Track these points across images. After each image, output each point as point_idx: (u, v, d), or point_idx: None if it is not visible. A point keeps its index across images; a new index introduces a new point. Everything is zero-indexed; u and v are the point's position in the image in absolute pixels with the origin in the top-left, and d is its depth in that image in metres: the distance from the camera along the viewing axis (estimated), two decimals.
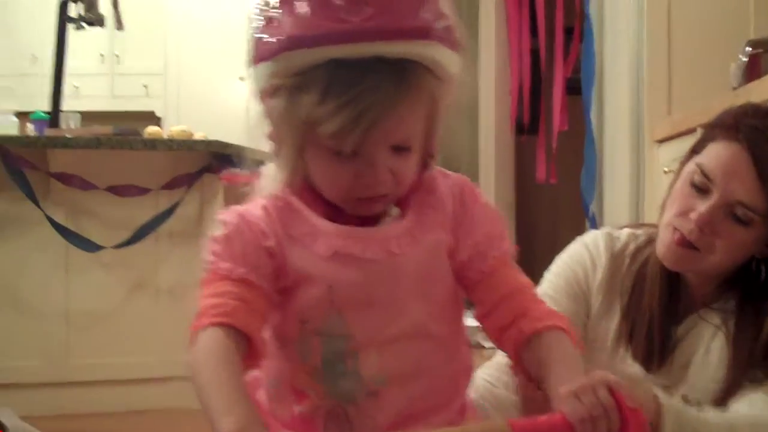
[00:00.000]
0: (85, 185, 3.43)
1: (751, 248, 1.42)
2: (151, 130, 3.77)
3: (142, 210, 3.48)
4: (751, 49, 2.60)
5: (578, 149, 4.38)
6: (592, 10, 4.19)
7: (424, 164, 1.07)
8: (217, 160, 3.56)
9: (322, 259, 1.01)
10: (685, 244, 1.41)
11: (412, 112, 0.99)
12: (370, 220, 1.05)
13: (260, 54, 0.98)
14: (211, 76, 5.81)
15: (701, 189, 1.40)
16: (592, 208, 4.20)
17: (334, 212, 1.04)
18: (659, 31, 3.40)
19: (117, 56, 6.30)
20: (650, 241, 1.53)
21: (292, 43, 0.95)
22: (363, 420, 1.04)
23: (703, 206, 1.38)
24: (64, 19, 3.97)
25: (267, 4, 0.99)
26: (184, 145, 3.56)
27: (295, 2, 0.95)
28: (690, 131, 2.76)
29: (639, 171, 3.51)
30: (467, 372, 1.15)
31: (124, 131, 3.65)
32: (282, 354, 1.06)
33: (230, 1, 5.82)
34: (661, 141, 3.24)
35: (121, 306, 3.56)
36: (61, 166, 3.44)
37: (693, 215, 1.39)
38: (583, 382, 0.92)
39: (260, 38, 0.98)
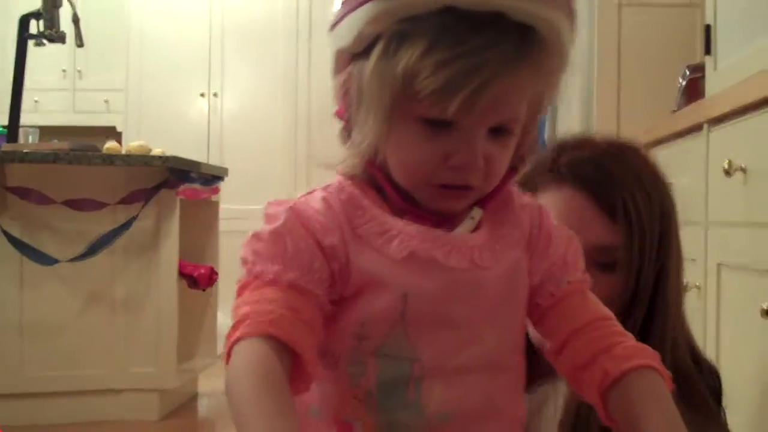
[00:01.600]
0: (43, 199, 3.45)
1: (620, 296, 1.19)
2: (110, 145, 3.80)
3: (99, 224, 3.50)
4: (689, 73, 2.68)
5: None
6: None
7: (512, 169, 0.92)
8: (174, 175, 3.60)
9: (397, 263, 0.85)
10: None
11: (525, 85, 0.84)
12: (446, 223, 0.89)
13: None
14: (172, 91, 5.82)
15: None
16: None
17: (402, 213, 0.89)
18: (609, 57, 3.48)
19: (79, 71, 6.32)
20: None
21: None
22: None
23: None
24: (24, 35, 4.00)
25: None
26: (141, 161, 3.58)
27: None
28: None
29: None
30: (523, 420, 0.95)
31: (83, 146, 3.67)
32: (327, 375, 0.87)
33: (191, 18, 5.86)
34: None
35: (77, 319, 3.57)
36: (17, 180, 3.46)
37: None
38: None
39: None
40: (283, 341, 0.78)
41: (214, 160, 5.43)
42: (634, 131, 2.96)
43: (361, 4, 0.83)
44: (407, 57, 0.80)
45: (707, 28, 2.26)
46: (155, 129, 5.66)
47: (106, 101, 6.29)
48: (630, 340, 0.89)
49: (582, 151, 1.25)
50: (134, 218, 3.52)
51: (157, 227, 3.63)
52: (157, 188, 3.57)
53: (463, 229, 0.90)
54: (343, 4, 0.86)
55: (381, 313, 0.85)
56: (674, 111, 2.66)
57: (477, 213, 0.91)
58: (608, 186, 1.20)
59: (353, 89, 0.88)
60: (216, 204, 4.26)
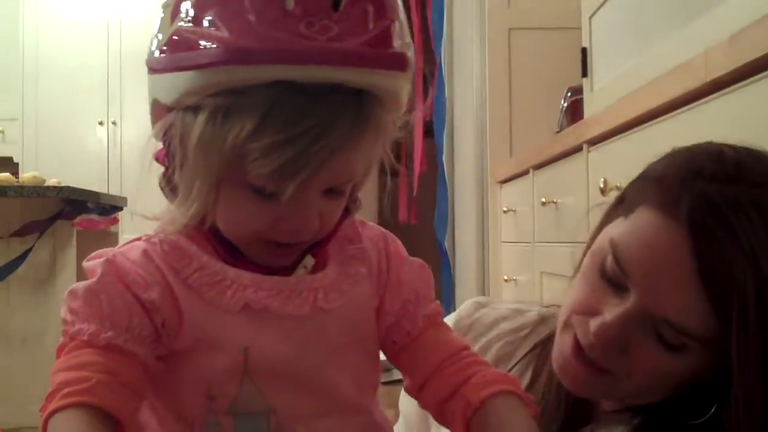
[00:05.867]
0: None
1: (685, 376, 0.89)
2: (2, 176, 3.73)
3: None
4: (571, 94, 2.77)
5: (434, 189, 4.55)
6: (444, 57, 4.37)
7: (347, 210, 0.87)
8: (70, 206, 3.54)
9: (232, 316, 0.80)
10: (586, 361, 0.91)
11: (363, 152, 0.79)
12: (279, 271, 0.84)
13: (183, 61, 0.75)
14: (69, 120, 5.74)
15: (614, 283, 0.90)
16: (446, 244, 4.36)
17: (231, 259, 0.83)
18: (500, 79, 3.59)
19: None
20: (542, 321, 1.15)
21: (236, 56, 0.71)
22: None
23: (610, 312, 0.88)
24: None
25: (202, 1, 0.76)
26: (34, 192, 3.52)
27: (242, 4, 0.72)
28: (524, 173, 2.93)
29: (483, 210, 3.67)
30: None
31: None
32: None
33: (88, 44, 5.79)
34: (503, 182, 3.42)
35: None
36: None
37: (594, 323, 0.89)
38: None
39: (184, 40, 0.76)
40: (103, 410, 0.72)
41: (115, 190, 5.36)
42: (526, 151, 3.05)
43: (180, 69, 0.75)
44: (234, 134, 0.73)
45: (584, 51, 2.34)
46: (53, 159, 5.57)
47: (2, 131, 6.14)
48: (488, 368, 0.88)
49: (723, 187, 0.83)
50: (29, 250, 3.45)
51: (53, 259, 3.56)
52: (52, 219, 3.50)
53: (301, 275, 0.86)
54: (162, 51, 0.79)
55: (224, 369, 0.80)
56: (557, 132, 2.74)
57: (309, 261, 0.86)
58: (731, 262, 0.80)
59: (176, 143, 0.79)
60: (116, 235, 4.20)
